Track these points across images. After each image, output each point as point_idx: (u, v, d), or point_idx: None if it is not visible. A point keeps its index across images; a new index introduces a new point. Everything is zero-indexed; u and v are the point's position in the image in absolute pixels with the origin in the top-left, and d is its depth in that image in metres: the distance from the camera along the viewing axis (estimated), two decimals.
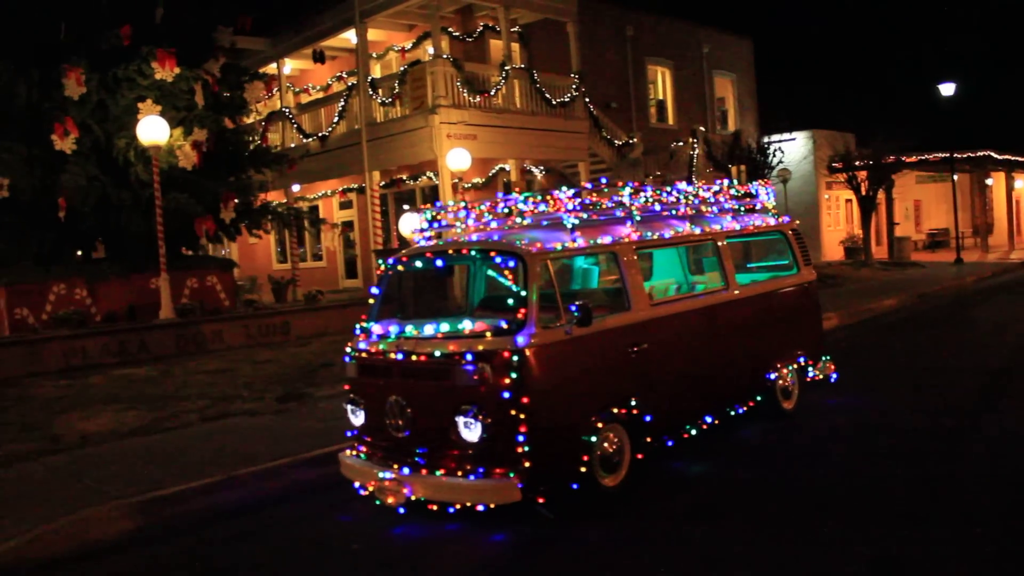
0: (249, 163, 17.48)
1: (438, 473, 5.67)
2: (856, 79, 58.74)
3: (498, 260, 5.85)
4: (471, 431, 5.52)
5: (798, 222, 8.75)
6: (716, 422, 7.22)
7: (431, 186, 21.80)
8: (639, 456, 6.36)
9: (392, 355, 5.95)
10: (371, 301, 6.65)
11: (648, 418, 6.27)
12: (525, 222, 6.25)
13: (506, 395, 5.42)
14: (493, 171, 22.58)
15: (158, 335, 13.31)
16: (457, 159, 18.03)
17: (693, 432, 6.93)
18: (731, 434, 7.52)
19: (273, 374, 11.64)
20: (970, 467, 6.29)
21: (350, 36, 21.99)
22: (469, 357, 5.55)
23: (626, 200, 6.64)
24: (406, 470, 5.81)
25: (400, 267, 6.48)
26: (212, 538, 5.98)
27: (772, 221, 8.35)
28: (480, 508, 5.53)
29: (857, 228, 28.36)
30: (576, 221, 6.16)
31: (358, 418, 6.31)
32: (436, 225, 6.79)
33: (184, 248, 16.21)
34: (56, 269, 14.57)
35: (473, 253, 6.04)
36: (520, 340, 5.47)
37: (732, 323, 7.31)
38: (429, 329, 5.90)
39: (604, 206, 6.46)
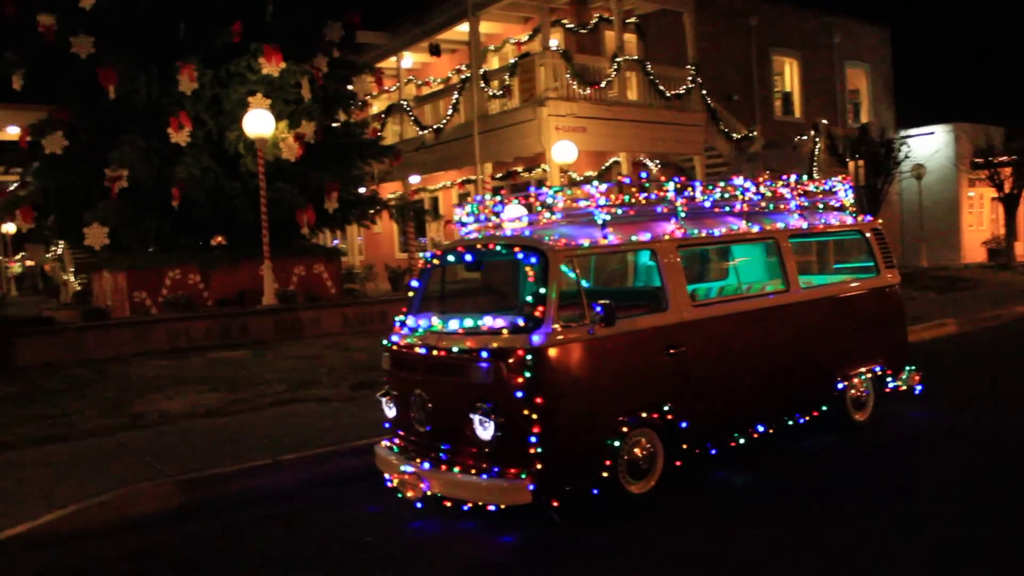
0: (356, 155, 17.90)
1: (455, 470, 5.60)
2: (1009, 69, 54.28)
3: (520, 256, 5.69)
4: (485, 429, 5.40)
5: (880, 221, 8.10)
6: (771, 431, 6.79)
7: (545, 178, 21.75)
8: (677, 463, 6.08)
9: (417, 349, 5.91)
10: (410, 294, 6.64)
11: (684, 424, 5.97)
12: (554, 217, 6.06)
13: (519, 395, 5.27)
14: (607, 164, 22.29)
15: (258, 320, 13.85)
16: (563, 151, 17.90)
17: (742, 441, 6.55)
18: (789, 445, 7.05)
19: (359, 362, 11.87)
20: None
21: (465, 29, 22.18)
22: (484, 355, 5.43)
23: (670, 195, 6.34)
24: (426, 465, 5.76)
25: (436, 260, 6.43)
26: (240, 520, 6.12)
27: (849, 220, 7.77)
28: (491, 508, 5.42)
29: (1001, 228, 26.23)
30: (607, 217, 5.91)
31: (391, 410, 6.32)
32: (477, 220, 6.68)
33: (298, 237, 16.79)
34: (172, 255, 15.42)
35: (499, 248, 5.90)
36: (536, 339, 5.31)
37: (792, 327, 6.85)
38: (453, 324, 5.83)
39: (642, 201, 6.19)
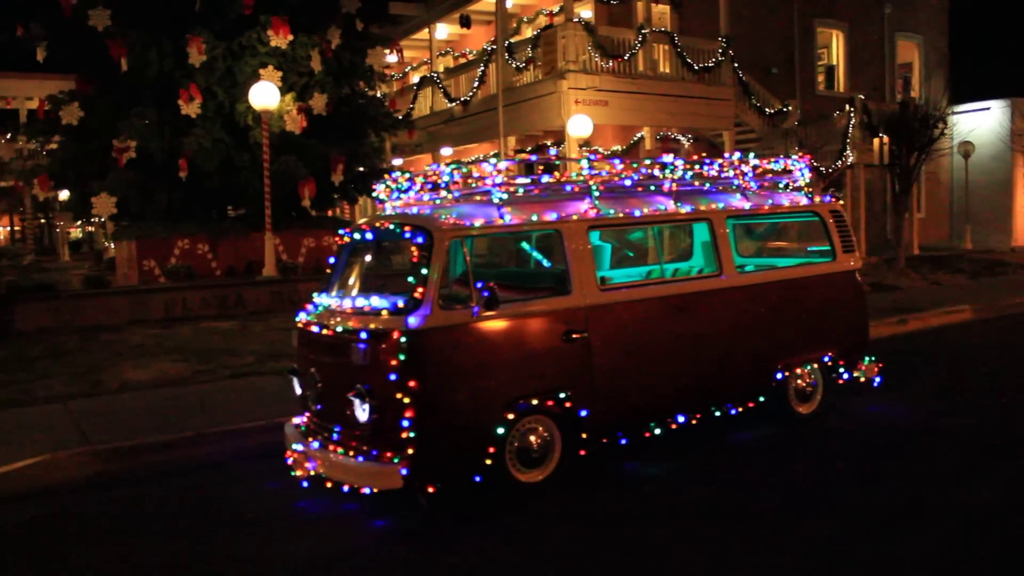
0: (369, 128, 17.86)
1: (339, 451, 5.53)
2: None
3: (407, 235, 5.54)
4: (363, 412, 5.30)
5: (841, 202, 7.68)
6: (694, 422, 6.53)
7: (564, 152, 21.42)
8: (581, 452, 5.90)
9: (312, 328, 5.83)
10: (327, 271, 6.55)
11: (584, 412, 5.76)
12: (452, 196, 5.86)
13: (393, 377, 5.16)
14: (635, 138, 21.83)
15: (255, 291, 14.00)
16: (579, 125, 17.57)
17: (658, 432, 6.31)
18: (720, 436, 6.79)
19: None
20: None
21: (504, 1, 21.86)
22: (363, 335, 5.33)
23: (585, 174, 6.09)
24: (315, 444, 5.71)
25: (347, 239, 6.31)
26: (141, 494, 6.16)
27: (804, 201, 7.38)
28: (366, 491, 5.33)
29: None
30: (503, 196, 5.70)
31: (297, 388, 6.26)
32: (398, 195, 6.52)
33: (305, 209, 16.87)
34: (182, 226, 15.66)
35: (391, 227, 5.75)
36: (412, 321, 5.17)
37: (723, 314, 6.55)
38: (347, 303, 5.72)
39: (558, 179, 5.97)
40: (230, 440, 7.18)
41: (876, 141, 18.25)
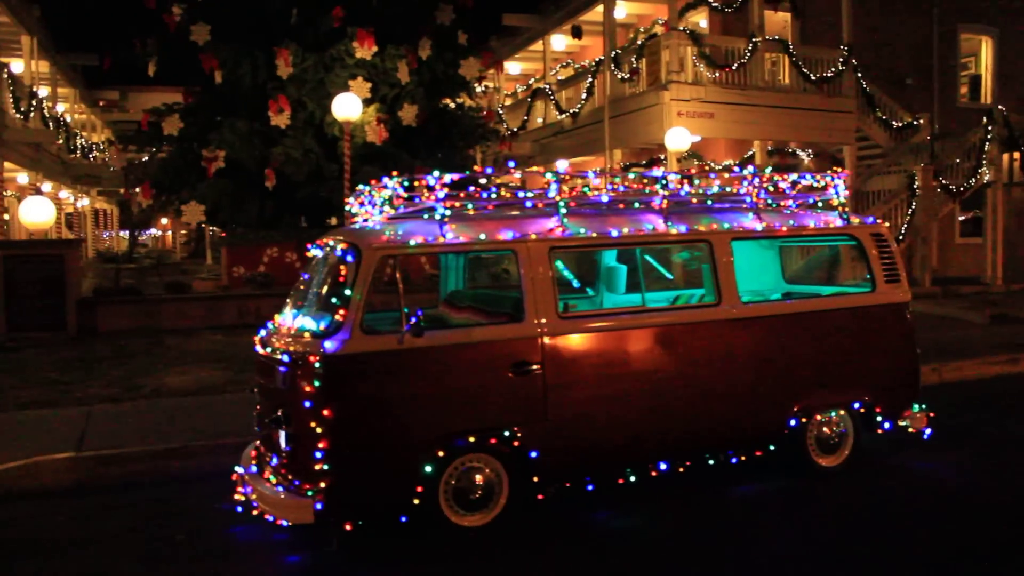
0: (459, 139, 17.71)
1: (269, 478, 5.23)
2: None
3: (339, 252, 5.18)
4: (282, 439, 4.99)
5: (886, 224, 6.70)
6: (681, 470, 5.81)
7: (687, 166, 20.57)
8: (539, 496, 5.35)
9: (257, 347, 5.58)
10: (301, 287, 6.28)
11: (535, 454, 5.20)
12: (393, 211, 5.43)
13: (307, 404, 4.82)
14: (749, 152, 20.67)
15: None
16: (677, 138, 16.72)
17: (633, 479, 5.64)
18: (715, 487, 6.00)
19: None
20: None
21: (611, 10, 21.30)
22: (284, 358, 5.02)
23: (553, 190, 5.53)
24: (253, 468, 5.44)
25: (311, 254, 6.03)
26: (100, 503, 6.10)
27: (838, 222, 6.47)
28: (282, 523, 4.99)
29: None
30: (447, 212, 5.24)
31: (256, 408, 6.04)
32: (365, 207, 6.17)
33: None
34: (272, 234, 16.00)
35: (330, 243, 5.41)
36: (328, 345, 4.81)
37: (718, 349, 5.80)
38: (288, 323, 5.42)
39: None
40: (214, 455, 7.02)
41: (1005, 157, 16.37)
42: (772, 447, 6.08)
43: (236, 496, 5.46)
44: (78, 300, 12.70)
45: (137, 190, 16.42)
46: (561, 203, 5.50)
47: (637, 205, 5.84)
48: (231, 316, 13.43)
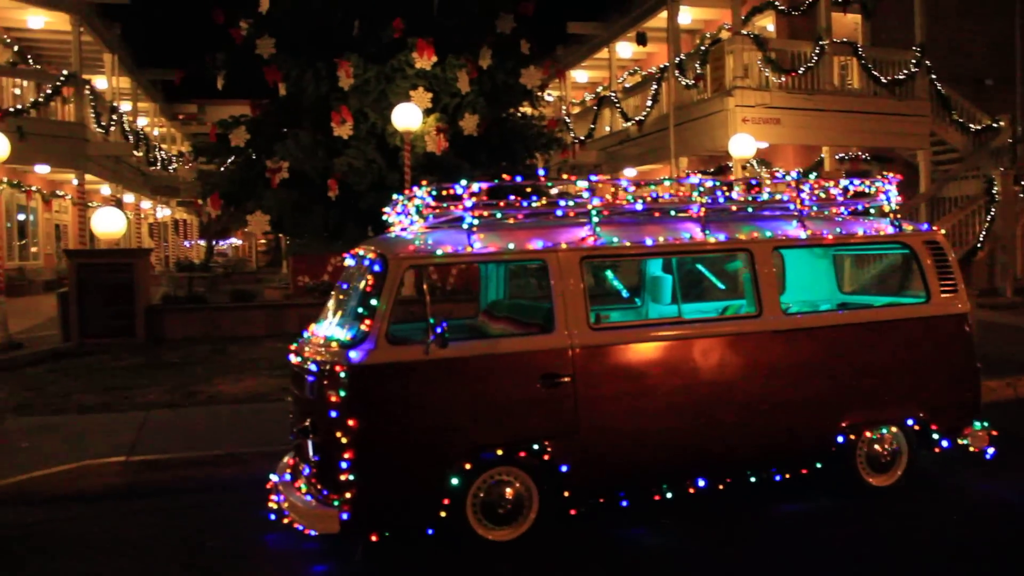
0: (521, 148, 17.69)
1: (302, 488, 5.25)
2: None
3: (366, 262, 5.18)
4: (310, 449, 5.01)
5: (941, 232, 6.39)
6: (721, 487, 5.63)
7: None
8: (572, 512, 5.25)
9: (291, 356, 5.62)
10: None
11: (565, 468, 5.11)
12: (424, 221, 5.40)
13: (333, 415, 4.83)
14: (819, 159, 20.12)
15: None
16: (741, 145, 16.38)
17: (670, 495, 5.49)
18: (758, 505, 5.79)
19: None
20: None
21: (675, 16, 21.05)
22: (312, 368, 5.05)
23: (585, 197, 5.44)
24: (287, 476, 5.48)
25: (346, 264, 6.06)
26: (152, 507, 6.23)
27: (890, 229, 6.20)
28: (311, 533, 5.01)
29: None
30: (475, 221, 5.19)
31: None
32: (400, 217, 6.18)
33: None
34: (336, 243, 16.23)
35: (360, 252, 5.43)
36: (353, 355, 4.81)
37: (758, 362, 5.60)
38: (321, 332, 5.45)
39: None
40: (260, 462, 7.10)
41: None
42: (819, 465, 5.85)
43: (270, 504, 5.50)
44: (146, 308, 13.10)
45: (206, 201, 16.86)
46: (594, 211, 5.40)
47: (673, 213, 5.70)
48: (293, 324, 13.62)
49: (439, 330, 4.82)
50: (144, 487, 6.71)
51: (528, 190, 5.34)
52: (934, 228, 6.39)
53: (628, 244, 5.43)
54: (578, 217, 5.46)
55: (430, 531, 4.98)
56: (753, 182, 5.99)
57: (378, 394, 4.84)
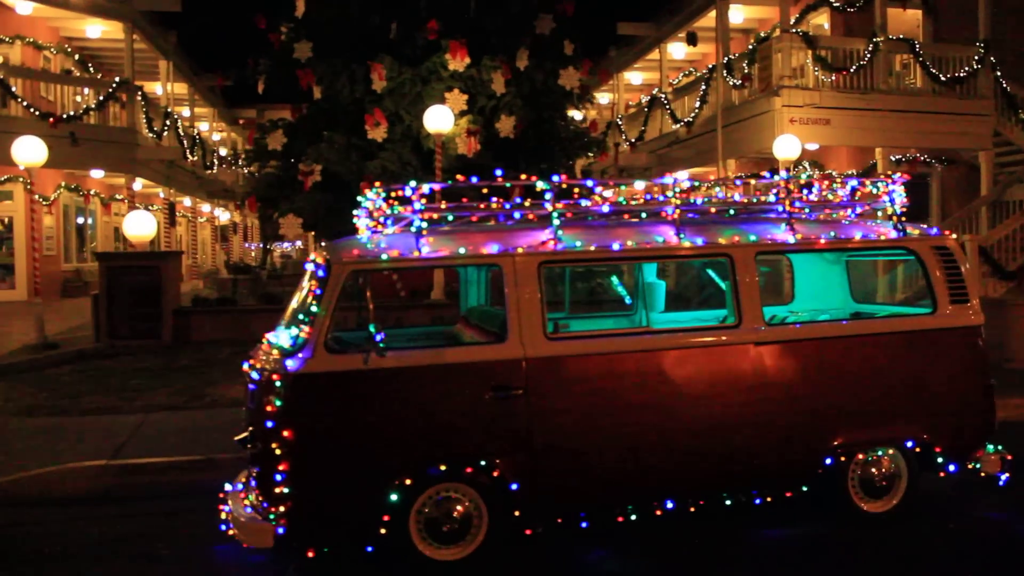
0: (559, 150, 17.36)
1: (247, 499, 5.08)
2: None
3: (313, 267, 4.98)
4: (250, 459, 4.83)
5: (954, 236, 5.87)
6: (693, 509, 5.25)
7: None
8: (527, 532, 4.96)
9: (245, 362, 5.46)
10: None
11: (515, 486, 4.81)
12: (382, 224, 5.17)
13: (269, 424, 4.63)
14: (873, 161, 19.28)
15: (415, 314, 14.02)
16: (785, 147, 15.77)
17: (634, 517, 5.14)
18: (734, 529, 5.39)
19: None
20: None
21: (724, 15, 20.47)
22: (255, 376, 4.87)
23: (548, 200, 5.13)
24: (239, 486, 5.30)
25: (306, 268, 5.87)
26: (121, 513, 6.16)
27: (893, 234, 5.72)
28: (246, 547, 4.82)
29: None
30: (423, 224, 4.93)
31: None
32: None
33: None
34: None
35: (313, 257, 5.23)
36: (290, 364, 4.61)
37: (735, 376, 5.21)
38: (271, 338, 5.27)
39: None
40: (238, 467, 7.00)
41: None
42: (805, 488, 5.42)
43: (221, 514, 5.34)
44: (174, 310, 13.22)
45: (244, 204, 17.00)
46: (555, 214, 5.09)
47: (644, 216, 5.35)
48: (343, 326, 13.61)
49: (378, 339, 4.59)
50: (123, 492, 6.64)
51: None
52: (944, 232, 5.88)
53: (592, 248, 5.10)
54: (540, 220, 5.17)
55: (369, 548, 4.75)
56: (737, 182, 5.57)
57: (314, 404, 4.63)
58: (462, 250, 4.92)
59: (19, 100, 18.08)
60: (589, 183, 5.38)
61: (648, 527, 5.27)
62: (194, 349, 12.62)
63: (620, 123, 25.59)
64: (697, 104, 20.67)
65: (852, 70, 16.62)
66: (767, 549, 5.17)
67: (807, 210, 5.72)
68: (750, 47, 18.45)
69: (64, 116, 18.51)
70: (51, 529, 5.82)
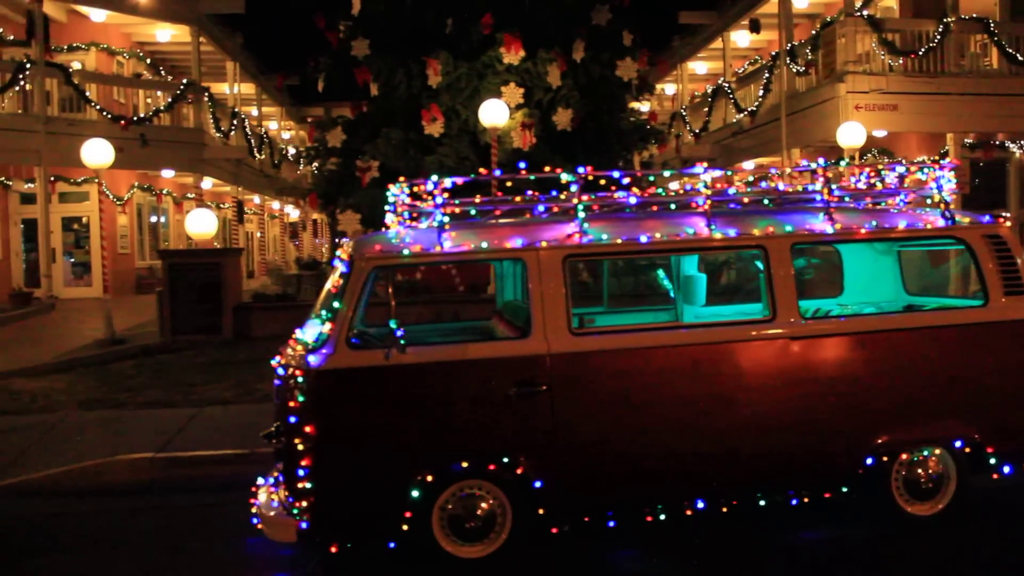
0: (617, 143, 17.15)
1: (275, 492, 5.14)
2: None
3: (336, 263, 5.00)
4: (276, 454, 4.89)
5: (1007, 224, 5.55)
6: (725, 510, 5.10)
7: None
8: (553, 530, 4.89)
9: (274, 360, 5.51)
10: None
11: (539, 483, 4.75)
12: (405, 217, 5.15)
13: (293, 420, 4.67)
14: (945, 148, 18.54)
15: (474, 308, 13.95)
16: (849, 134, 15.27)
17: (663, 517, 5.01)
18: (773, 530, 5.22)
19: None
20: None
21: (788, 0, 19.94)
22: (281, 372, 4.92)
23: (573, 190, 5.05)
24: (270, 480, 5.36)
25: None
26: (162, 504, 6.32)
27: (940, 222, 5.44)
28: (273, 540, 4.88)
29: None
30: (445, 219, 4.90)
31: None
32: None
33: None
34: None
35: (338, 253, 5.25)
36: (312, 360, 4.64)
37: (770, 372, 5.04)
38: (298, 336, 5.32)
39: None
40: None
41: None
42: (845, 489, 5.21)
43: (251, 508, 5.41)
44: (235, 306, 13.52)
45: (306, 201, 17.28)
46: (580, 206, 4.99)
47: (674, 207, 5.21)
48: (373, 321, 13.74)
49: (398, 335, 4.57)
50: (167, 484, 6.80)
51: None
52: (998, 220, 5.57)
53: (619, 241, 4.99)
54: (561, 213, 5.08)
55: (392, 544, 4.74)
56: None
57: (337, 400, 4.64)
58: (484, 244, 4.87)
59: (92, 104, 18.72)
60: (615, 174, 5.24)
61: (680, 528, 5.14)
62: (252, 344, 12.87)
63: (684, 114, 25.19)
64: (760, 93, 20.21)
65: (921, 53, 16.01)
66: (805, 550, 5.00)
67: (847, 198, 5.49)
68: (813, 33, 17.93)
69: (134, 119, 19.10)
70: (91, 520, 6.00)
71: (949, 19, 16.12)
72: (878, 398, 5.15)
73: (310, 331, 5.09)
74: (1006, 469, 5.34)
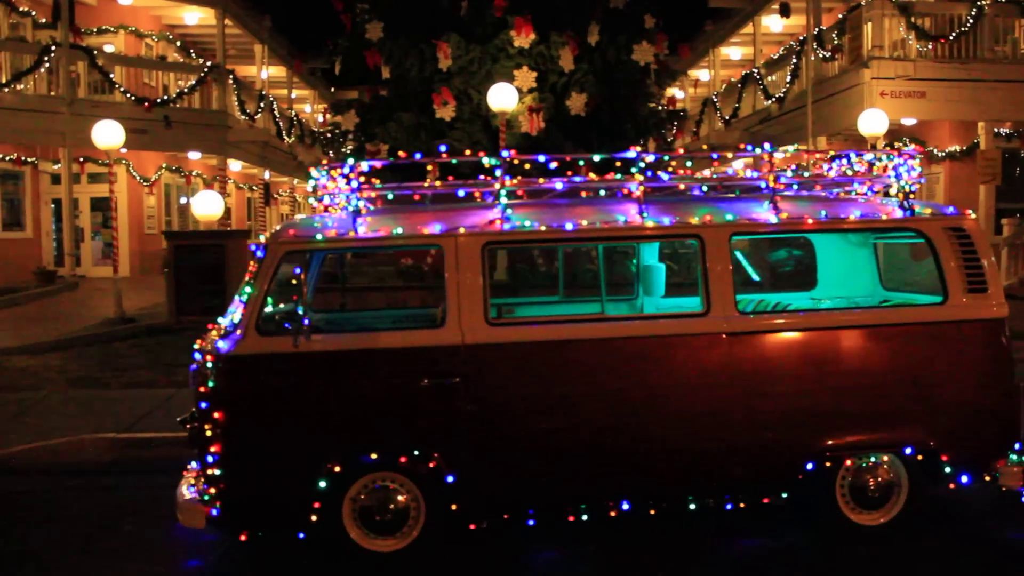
0: (631, 128, 16.80)
1: (194, 479, 5.07)
2: None
3: (254, 248, 4.89)
4: (189, 439, 4.82)
5: (973, 216, 5.22)
6: (653, 512, 4.91)
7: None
8: (471, 526, 4.77)
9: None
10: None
11: (451, 478, 4.61)
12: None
13: (203, 406, 4.60)
14: (977, 138, 17.85)
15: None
16: (872, 122, 14.75)
17: (586, 517, 4.84)
18: (701, 535, 5.02)
19: None
20: None
21: None
22: (196, 356, 4.83)
23: (498, 175, 4.88)
24: (194, 464, 5.29)
25: None
26: (113, 484, 6.34)
27: (898, 213, 5.14)
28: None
29: None
30: (359, 203, 4.76)
31: None
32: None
33: None
34: None
35: (259, 237, 5.14)
36: (222, 345, 4.57)
37: (703, 368, 4.82)
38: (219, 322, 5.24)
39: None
40: None
41: None
42: (784, 495, 4.97)
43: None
44: None
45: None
46: (503, 192, 4.82)
47: (603, 193, 5.00)
48: (375, 307, 13.71)
49: (305, 322, 4.46)
50: (126, 465, 6.81)
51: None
52: (962, 212, 5.24)
53: (543, 229, 4.81)
54: (485, 199, 4.92)
55: (301, 535, 4.65)
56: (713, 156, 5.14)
57: (244, 386, 4.56)
58: (399, 230, 4.73)
59: (117, 86, 18.94)
60: (596, 157, 5.08)
61: (610, 529, 4.96)
62: None
63: (716, 100, 24.67)
64: (788, 79, 19.68)
65: (952, 37, 15.38)
66: (734, 557, 4.78)
67: (795, 186, 5.22)
68: (840, 16, 17.35)
69: (157, 100, 19.29)
70: (40, 496, 6.04)
71: (983, 2, 15.45)
72: (820, 399, 4.90)
73: (229, 316, 5.01)
74: (963, 479, 5.04)
